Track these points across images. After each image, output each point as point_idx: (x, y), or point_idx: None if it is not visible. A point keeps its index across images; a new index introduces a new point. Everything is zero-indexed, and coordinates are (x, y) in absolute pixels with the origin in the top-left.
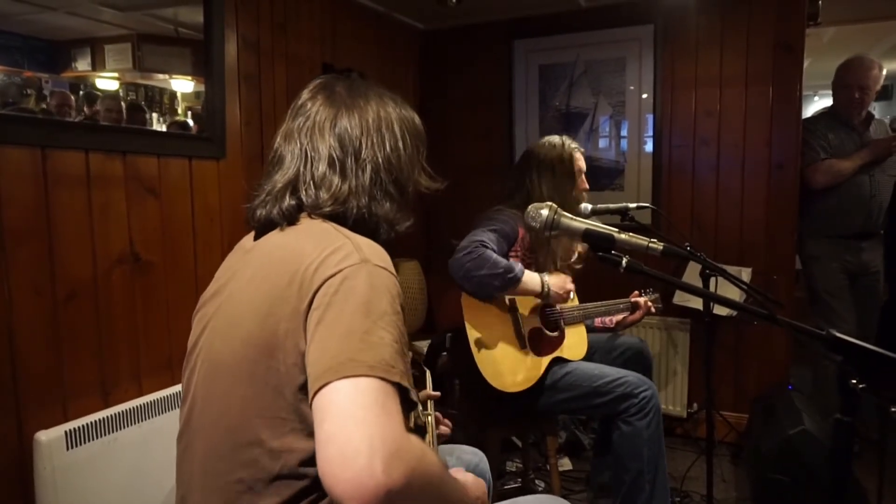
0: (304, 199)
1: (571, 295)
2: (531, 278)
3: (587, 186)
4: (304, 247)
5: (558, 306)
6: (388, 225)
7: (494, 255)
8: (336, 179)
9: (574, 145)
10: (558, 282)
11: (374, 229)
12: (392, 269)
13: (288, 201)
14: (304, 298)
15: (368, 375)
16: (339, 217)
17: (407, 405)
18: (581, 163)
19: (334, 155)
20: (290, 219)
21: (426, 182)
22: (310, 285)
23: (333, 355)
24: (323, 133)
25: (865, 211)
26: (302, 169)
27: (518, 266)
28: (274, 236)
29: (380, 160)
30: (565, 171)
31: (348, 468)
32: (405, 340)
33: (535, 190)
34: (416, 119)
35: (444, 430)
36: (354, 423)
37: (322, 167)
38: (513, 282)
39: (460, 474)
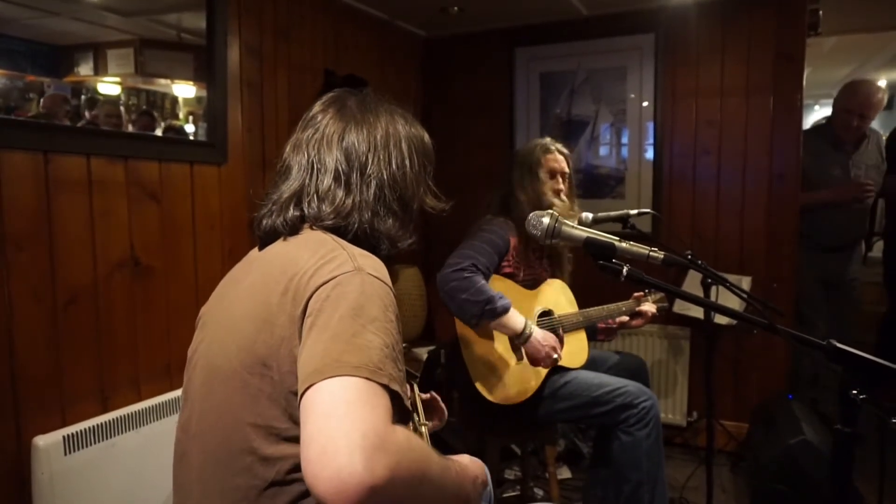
0: (306, 210)
1: (555, 355)
2: (513, 318)
3: (560, 188)
4: (300, 256)
5: (556, 314)
6: (389, 241)
7: (482, 282)
8: (340, 193)
9: (545, 142)
10: (543, 338)
11: (376, 245)
12: (387, 280)
13: (292, 212)
14: (299, 306)
15: (352, 375)
16: (340, 230)
17: (400, 414)
18: (554, 163)
19: (340, 169)
20: (293, 229)
21: (431, 202)
22: (304, 293)
23: (320, 358)
24: (331, 146)
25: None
26: (307, 181)
27: (502, 301)
28: (275, 246)
29: (385, 177)
30: (531, 170)
31: (328, 466)
32: (400, 349)
33: (512, 192)
34: (426, 137)
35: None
36: (335, 420)
37: (327, 180)
38: (490, 314)
39: (455, 457)
